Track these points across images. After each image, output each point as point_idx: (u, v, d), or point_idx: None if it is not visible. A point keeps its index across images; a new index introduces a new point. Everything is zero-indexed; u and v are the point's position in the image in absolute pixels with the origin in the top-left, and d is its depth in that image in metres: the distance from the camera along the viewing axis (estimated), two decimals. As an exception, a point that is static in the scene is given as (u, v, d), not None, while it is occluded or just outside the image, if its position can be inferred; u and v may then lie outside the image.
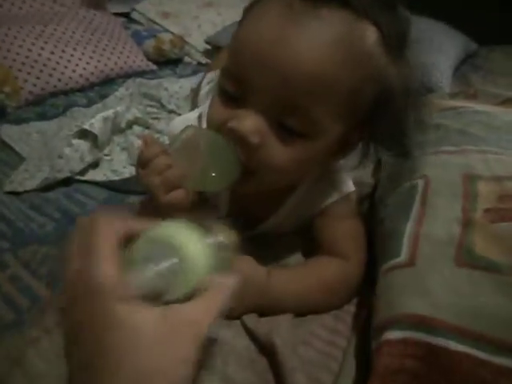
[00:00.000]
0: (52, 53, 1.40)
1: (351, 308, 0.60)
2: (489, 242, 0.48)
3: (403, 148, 0.57)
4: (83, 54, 1.46)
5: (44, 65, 1.36)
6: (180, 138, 0.50)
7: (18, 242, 0.76)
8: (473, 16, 1.71)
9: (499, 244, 0.47)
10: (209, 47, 1.84)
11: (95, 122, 0.99)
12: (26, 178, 0.94)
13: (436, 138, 0.70)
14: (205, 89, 1.00)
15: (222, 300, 0.36)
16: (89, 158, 0.97)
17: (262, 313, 0.56)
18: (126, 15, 2.05)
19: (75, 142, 0.96)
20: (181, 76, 1.61)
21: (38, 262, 0.71)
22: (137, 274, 0.34)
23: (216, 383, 0.48)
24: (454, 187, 0.57)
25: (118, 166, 1.01)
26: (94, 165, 1.00)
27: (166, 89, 1.35)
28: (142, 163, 0.52)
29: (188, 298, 0.35)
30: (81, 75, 1.42)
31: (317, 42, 0.45)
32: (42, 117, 1.25)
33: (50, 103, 1.32)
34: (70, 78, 1.39)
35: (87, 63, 1.45)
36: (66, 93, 1.38)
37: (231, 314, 0.54)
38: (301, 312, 0.58)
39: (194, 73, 1.62)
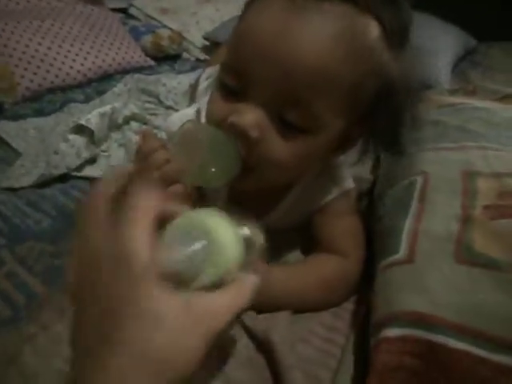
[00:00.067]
0: (49, 48, 1.39)
1: (350, 305, 0.60)
2: (488, 239, 0.48)
3: (399, 146, 0.57)
4: (81, 49, 1.46)
5: (41, 60, 1.35)
6: (179, 132, 0.50)
7: (15, 239, 0.76)
8: (472, 12, 1.71)
9: (499, 241, 0.47)
10: (207, 43, 1.84)
11: (92, 117, 0.98)
12: (23, 174, 0.93)
13: (435, 135, 0.70)
14: (203, 84, 1.00)
15: (246, 297, 0.36)
16: (85, 154, 0.96)
17: (261, 310, 0.56)
18: (124, 11, 2.04)
19: (71, 137, 0.95)
20: (179, 72, 1.60)
21: (35, 258, 0.71)
22: (167, 255, 0.34)
23: (212, 380, 0.48)
24: (453, 184, 0.57)
25: (116, 162, 1.00)
26: (91, 161, 1.00)
27: (165, 84, 1.34)
28: (140, 157, 0.52)
29: (214, 287, 0.35)
30: (78, 71, 1.41)
31: (319, 35, 0.45)
32: (40, 113, 1.24)
33: (47, 99, 1.31)
34: (68, 73, 1.38)
35: (85, 59, 1.44)
36: (63, 89, 1.37)
37: None
38: (299, 309, 0.57)
39: (193, 69, 1.62)
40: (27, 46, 1.35)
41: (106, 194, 0.37)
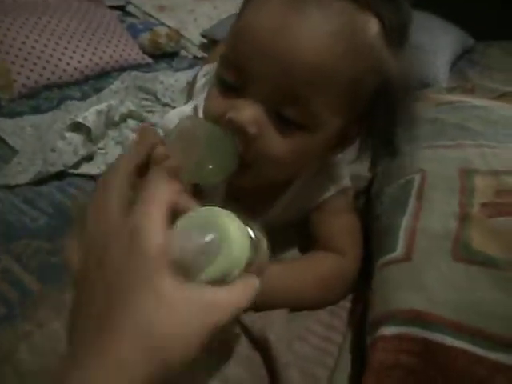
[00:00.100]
0: (46, 45, 1.38)
1: (347, 303, 0.60)
2: (486, 237, 0.48)
3: (394, 146, 0.57)
4: (77, 46, 1.45)
5: (38, 57, 1.34)
6: (176, 129, 0.49)
7: (10, 236, 0.75)
8: (470, 12, 1.71)
9: (496, 239, 0.47)
10: (205, 41, 1.83)
11: (89, 115, 0.98)
12: (19, 172, 0.93)
13: (433, 133, 0.69)
14: (200, 81, 0.99)
15: (250, 297, 0.37)
16: (82, 152, 0.96)
17: (257, 308, 0.55)
18: (122, 8, 2.03)
19: (68, 135, 0.95)
20: (177, 70, 1.59)
21: (30, 255, 0.70)
22: (180, 243, 0.35)
23: (208, 379, 0.48)
24: (450, 181, 0.57)
25: (113, 159, 0.99)
26: (89, 158, 0.99)
27: (162, 82, 1.34)
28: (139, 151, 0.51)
29: (218, 282, 0.35)
30: (75, 68, 1.40)
31: (318, 31, 0.45)
32: (36, 110, 1.23)
33: (43, 96, 1.30)
34: (64, 70, 1.38)
35: (82, 56, 1.43)
36: (60, 86, 1.36)
37: None
38: (296, 307, 0.57)
39: (190, 66, 1.61)
40: (24, 42, 1.34)
41: (126, 169, 0.40)
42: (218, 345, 0.51)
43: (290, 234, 0.68)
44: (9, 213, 0.81)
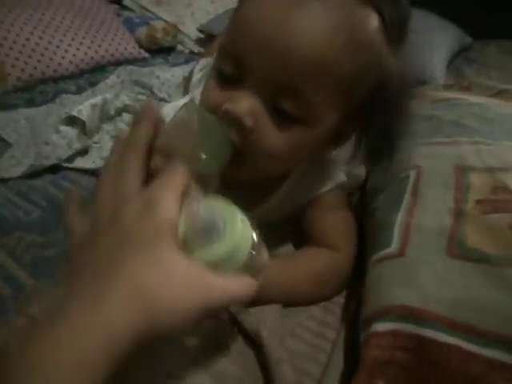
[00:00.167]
0: (41, 38, 1.37)
1: (340, 299, 0.60)
2: (481, 234, 0.48)
3: (390, 143, 0.57)
4: (73, 40, 1.44)
5: (33, 50, 1.33)
6: (175, 116, 0.49)
7: (3, 229, 0.74)
8: (468, 11, 1.71)
9: (491, 236, 0.47)
10: (202, 36, 1.82)
11: (83, 108, 0.97)
12: (13, 165, 0.92)
13: (429, 129, 0.69)
14: (197, 76, 0.99)
15: (246, 294, 0.38)
16: (77, 145, 0.95)
17: (251, 303, 0.55)
18: (119, 2, 2.02)
19: (63, 128, 0.95)
20: (173, 64, 1.59)
21: (23, 249, 0.70)
22: (187, 223, 0.37)
23: (202, 375, 0.48)
24: (446, 178, 0.57)
25: (108, 153, 0.99)
26: (83, 152, 0.99)
27: (158, 77, 1.33)
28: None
29: (217, 268, 0.37)
30: (71, 62, 1.39)
31: (318, 24, 0.44)
32: (31, 103, 1.23)
33: (38, 90, 1.30)
34: (60, 64, 1.37)
35: (77, 49, 1.42)
36: (55, 79, 1.36)
37: None
38: (290, 303, 0.57)
39: (187, 61, 1.60)
40: (18, 35, 1.33)
41: (143, 146, 0.42)
42: (212, 341, 0.51)
43: (285, 229, 0.68)
44: (2, 206, 0.81)
